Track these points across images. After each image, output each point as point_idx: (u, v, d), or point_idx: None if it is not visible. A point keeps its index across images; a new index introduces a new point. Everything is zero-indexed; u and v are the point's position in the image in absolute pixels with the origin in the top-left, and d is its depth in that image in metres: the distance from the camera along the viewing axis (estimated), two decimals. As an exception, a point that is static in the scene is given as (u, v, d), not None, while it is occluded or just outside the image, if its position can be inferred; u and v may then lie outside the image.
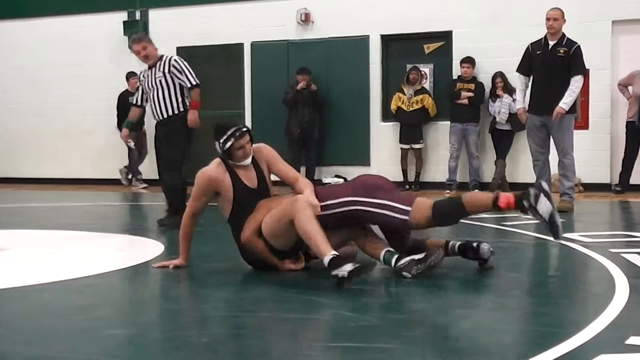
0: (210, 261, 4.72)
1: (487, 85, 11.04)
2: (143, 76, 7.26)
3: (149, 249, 5.66)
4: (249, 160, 4.72)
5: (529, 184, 9.17)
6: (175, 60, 7.11)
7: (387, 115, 11.83)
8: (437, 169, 11.49)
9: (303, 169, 11.89)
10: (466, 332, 3.40)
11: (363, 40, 11.88)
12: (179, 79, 7.04)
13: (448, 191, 10.86)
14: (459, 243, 4.79)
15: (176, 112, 7.06)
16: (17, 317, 3.89)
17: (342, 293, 4.03)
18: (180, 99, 7.07)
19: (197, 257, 4.89)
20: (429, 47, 11.78)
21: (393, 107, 11.49)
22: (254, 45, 12.45)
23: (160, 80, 7.03)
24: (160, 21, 13.04)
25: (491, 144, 11.15)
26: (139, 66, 13.01)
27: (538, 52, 8.08)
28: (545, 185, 4.32)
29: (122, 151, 12.97)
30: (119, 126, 12.19)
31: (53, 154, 13.68)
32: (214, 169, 4.70)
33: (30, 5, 13.89)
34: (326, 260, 4.07)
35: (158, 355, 3.11)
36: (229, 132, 4.63)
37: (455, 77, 11.25)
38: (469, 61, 11.05)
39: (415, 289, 4.33)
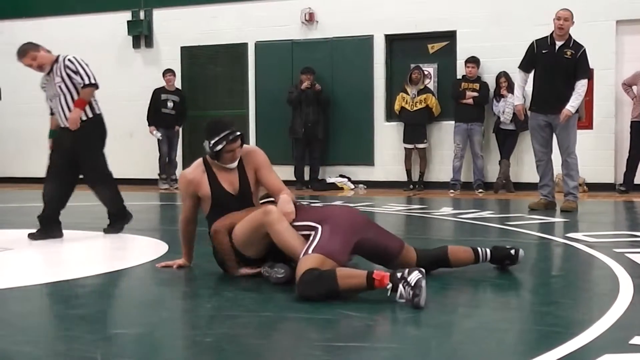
0: (213, 261, 4.71)
1: (492, 85, 11.04)
2: (43, 83, 6.75)
3: (153, 248, 5.67)
4: (234, 165, 4.62)
5: (533, 184, 9.24)
6: (69, 60, 6.61)
7: (391, 114, 11.83)
8: (441, 169, 11.49)
9: (307, 169, 11.90)
10: (470, 331, 3.40)
11: (367, 40, 11.88)
12: (74, 79, 6.56)
13: (452, 191, 10.85)
14: (489, 248, 4.66)
15: (84, 117, 6.56)
16: (21, 316, 3.90)
17: (348, 294, 4.02)
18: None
19: (201, 257, 4.89)
20: (433, 47, 11.78)
21: (397, 107, 11.48)
22: (258, 45, 12.46)
23: (60, 86, 6.54)
24: (164, 21, 13.06)
25: (495, 143, 11.15)
26: (143, 66, 13.09)
27: (544, 51, 8.06)
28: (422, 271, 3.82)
29: (128, 150, 13.00)
30: (150, 122, 12.34)
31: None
32: (192, 171, 4.60)
33: (37, 5, 13.92)
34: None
35: (163, 354, 3.11)
36: (222, 135, 4.46)
37: (459, 76, 11.24)
38: (474, 61, 11.04)
39: (419, 289, 4.33)
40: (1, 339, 3.39)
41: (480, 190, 10.85)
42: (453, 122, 11.15)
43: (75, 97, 6.52)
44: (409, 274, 3.71)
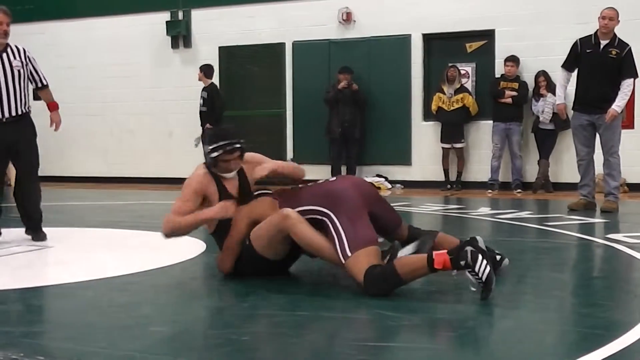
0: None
1: (530, 85, 10.92)
2: None
3: (190, 247, 5.70)
4: (230, 175, 4.56)
5: (572, 184, 9.12)
6: (29, 52, 6.37)
7: (428, 114, 11.77)
8: (479, 169, 11.40)
9: (344, 168, 11.89)
10: (507, 332, 3.37)
11: (405, 40, 11.83)
12: (33, 74, 6.36)
13: (490, 191, 10.77)
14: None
15: (28, 110, 6.35)
16: (61, 313, 3.96)
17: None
18: (28, 96, 6.33)
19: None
20: (471, 46, 11.69)
21: (434, 107, 11.42)
22: (296, 45, 12.48)
23: (19, 70, 6.16)
24: (202, 21, 13.15)
25: (534, 143, 11.03)
26: (182, 66, 13.19)
27: (588, 51, 7.95)
28: (481, 242, 3.92)
29: (167, 150, 13.12)
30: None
31: (101, 153, 13.87)
32: (201, 175, 4.55)
33: (78, 6, 14.11)
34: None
35: (200, 352, 3.13)
36: (220, 144, 4.44)
37: (498, 75, 11.14)
38: (513, 60, 10.94)
39: (456, 289, 4.29)
40: (42, 335, 3.45)
41: (518, 190, 10.74)
42: (491, 122, 11.06)
43: (26, 86, 6.28)
44: (474, 261, 3.69)
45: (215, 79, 12.89)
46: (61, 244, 6.15)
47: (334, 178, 4.48)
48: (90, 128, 13.92)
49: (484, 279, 3.73)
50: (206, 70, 11.82)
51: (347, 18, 12.09)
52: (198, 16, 13.19)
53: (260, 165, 4.59)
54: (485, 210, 8.46)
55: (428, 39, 11.85)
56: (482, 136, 11.40)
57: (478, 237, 3.94)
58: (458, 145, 11.38)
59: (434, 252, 3.83)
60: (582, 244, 6.03)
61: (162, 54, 13.39)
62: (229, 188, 4.54)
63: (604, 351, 2.94)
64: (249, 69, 12.99)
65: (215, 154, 4.44)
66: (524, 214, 7.96)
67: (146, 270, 4.83)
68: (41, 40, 14.31)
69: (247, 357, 3.05)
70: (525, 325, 3.48)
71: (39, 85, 6.45)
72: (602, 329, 3.35)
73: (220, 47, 12.99)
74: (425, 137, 11.80)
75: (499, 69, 11.13)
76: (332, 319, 3.67)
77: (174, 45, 13.33)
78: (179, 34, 13.21)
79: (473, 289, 3.81)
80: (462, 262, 3.71)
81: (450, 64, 11.38)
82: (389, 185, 11.75)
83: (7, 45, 6.23)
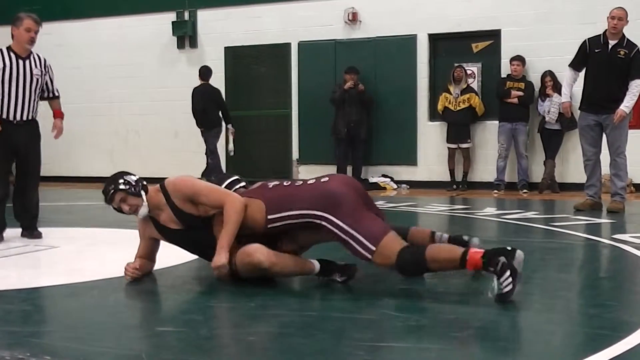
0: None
1: (537, 85, 10.91)
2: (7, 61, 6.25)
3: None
4: (140, 215, 4.39)
5: (579, 184, 9.11)
6: (49, 62, 6.61)
7: (434, 114, 11.76)
8: (485, 169, 11.39)
9: (350, 169, 11.90)
10: (514, 333, 3.36)
11: (411, 40, 11.83)
12: (47, 83, 6.57)
13: (496, 191, 10.76)
14: (447, 235, 4.66)
15: (36, 116, 6.54)
16: (68, 313, 3.97)
17: (390, 293, 4.02)
18: (38, 103, 6.57)
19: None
20: (477, 46, 11.68)
21: (440, 107, 11.42)
22: (302, 45, 12.48)
23: (37, 79, 6.40)
24: (208, 21, 13.16)
25: (540, 143, 11.02)
26: (188, 67, 13.20)
27: (597, 51, 7.94)
28: (520, 259, 3.83)
29: (172, 150, 13.14)
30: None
31: (107, 153, 13.90)
32: (139, 220, 4.50)
33: (84, 6, 14.13)
34: None
35: (207, 352, 3.13)
36: (105, 200, 4.41)
37: (504, 75, 11.13)
38: (519, 59, 10.93)
39: (463, 290, 4.30)
40: (49, 335, 3.45)
41: (524, 190, 10.73)
42: (497, 122, 11.05)
43: (38, 97, 6.55)
44: (500, 274, 3.68)
45: (221, 79, 12.93)
46: (68, 244, 6.16)
47: (327, 178, 4.30)
48: (96, 128, 13.95)
49: (502, 292, 3.71)
50: (201, 71, 12.01)
51: (353, 18, 12.09)
52: (204, 16, 13.20)
53: (195, 196, 4.34)
54: (491, 210, 8.46)
55: (434, 39, 11.84)
56: (488, 136, 11.38)
57: (518, 253, 3.83)
58: (464, 146, 11.37)
59: (470, 251, 3.81)
60: (589, 245, 6.02)
61: (168, 54, 13.40)
62: (166, 223, 4.41)
63: (610, 351, 2.94)
64: (254, 69, 13.00)
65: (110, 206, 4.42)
66: (530, 214, 7.95)
67: (153, 270, 4.83)
68: (48, 41, 14.27)
69: (254, 357, 3.06)
70: (531, 326, 3.48)
71: (51, 95, 6.66)
72: (609, 330, 3.34)
73: (226, 48, 13.00)
74: (431, 137, 11.79)
75: (505, 69, 11.12)
76: (340, 319, 3.67)
77: (180, 45, 13.35)
78: (185, 34, 13.23)
79: (490, 294, 3.81)
80: (492, 269, 3.71)
81: (456, 64, 11.37)
82: (395, 186, 11.74)
83: (31, 52, 6.42)
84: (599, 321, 3.52)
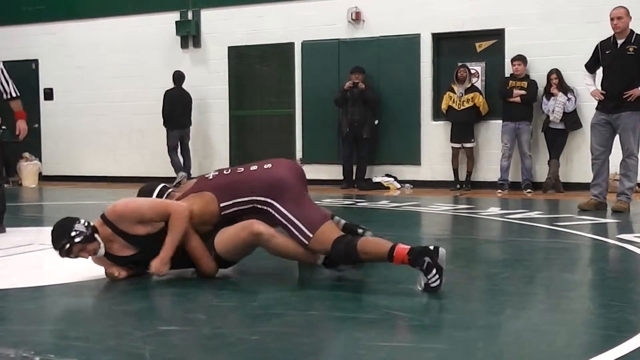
0: (259, 259, 4.73)
1: (541, 84, 10.88)
2: None
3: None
4: (100, 254, 4.31)
5: (583, 184, 9.09)
6: (3, 64, 6.58)
7: (438, 114, 11.74)
8: (489, 168, 11.37)
9: (355, 168, 11.89)
10: (518, 333, 3.35)
11: (414, 39, 11.81)
12: (2, 84, 6.53)
13: (500, 191, 10.74)
14: (344, 222, 4.75)
15: None
16: (71, 312, 3.97)
17: (393, 293, 4.01)
18: None
19: (254, 256, 4.88)
20: (480, 46, 11.66)
21: (444, 106, 11.40)
22: (305, 45, 12.47)
23: None
24: (212, 21, 13.16)
25: (544, 143, 10.99)
26: (191, 66, 13.21)
27: (607, 52, 7.97)
28: (442, 257, 3.99)
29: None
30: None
31: (111, 153, 13.91)
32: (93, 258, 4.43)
33: (88, 6, 14.13)
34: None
35: (210, 351, 3.13)
36: (59, 254, 4.27)
37: (507, 75, 11.11)
38: (520, 59, 10.90)
39: (467, 290, 4.29)
40: (53, 333, 3.45)
41: (528, 190, 10.71)
42: (500, 121, 11.03)
43: None
44: (427, 273, 3.92)
45: (225, 79, 12.95)
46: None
47: (270, 164, 4.39)
48: (100, 128, 13.96)
49: (430, 286, 3.93)
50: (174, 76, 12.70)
51: (357, 17, 12.08)
52: (207, 16, 13.20)
53: (134, 218, 4.31)
54: (495, 210, 8.44)
55: (438, 38, 11.82)
56: (492, 136, 11.37)
57: (441, 251, 3.98)
58: (468, 145, 11.36)
59: (397, 247, 3.98)
60: (593, 245, 6.00)
61: (172, 54, 13.40)
62: (115, 252, 4.38)
63: (615, 352, 2.93)
64: (258, 69, 13.00)
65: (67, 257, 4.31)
66: (534, 214, 7.93)
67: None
68: (51, 41, 14.38)
69: (257, 356, 3.05)
70: (536, 326, 3.46)
71: (8, 96, 6.56)
72: (614, 330, 3.33)
73: (229, 47, 12.99)
74: (434, 137, 11.78)
75: (509, 68, 11.10)
76: (343, 319, 3.66)
77: (184, 45, 13.35)
78: (189, 34, 13.22)
79: (419, 287, 3.98)
80: (418, 267, 3.94)
81: (460, 64, 11.35)
82: (398, 185, 11.73)
83: None
84: (603, 321, 3.51)
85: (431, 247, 3.98)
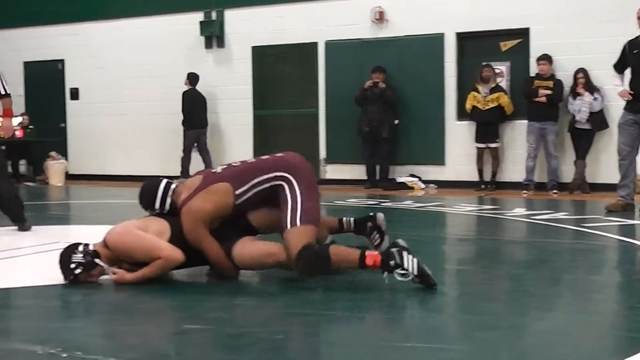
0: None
1: (567, 83, 10.79)
2: None
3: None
4: (108, 271, 4.30)
5: (610, 185, 9.00)
6: None
7: (462, 113, 11.68)
8: (514, 169, 11.29)
9: (377, 168, 11.87)
10: (543, 335, 3.32)
11: (438, 38, 11.76)
12: None
13: (525, 191, 10.67)
14: (354, 218, 4.80)
15: None
16: (97, 309, 3.99)
17: (416, 293, 3.99)
18: None
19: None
20: (505, 45, 11.59)
21: (468, 106, 11.33)
22: (328, 44, 12.47)
23: None
24: (235, 21, 13.19)
25: (570, 143, 10.89)
26: (215, 66, 13.26)
27: (635, 51, 7.90)
28: (402, 242, 4.07)
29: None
30: None
31: (135, 152, 13.99)
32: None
33: (112, 7, 14.23)
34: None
35: (233, 350, 3.13)
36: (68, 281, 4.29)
37: (533, 74, 11.03)
38: (545, 58, 10.82)
39: (491, 290, 4.26)
40: (80, 330, 3.48)
41: (554, 191, 10.62)
42: (526, 121, 10.95)
43: None
44: (401, 258, 3.91)
45: (248, 79, 12.98)
46: (96, 241, 6.18)
47: (282, 154, 4.46)
48: (124, 127, 14.05)
49: (415, 271, 3.92)
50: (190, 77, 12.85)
51: (380, 17, 12.05)
52: (231, 16, 13.24)
53: (124, 254, 4.29)
54: (520, 211, 8.38)
55: (461, 37, 11.76)
56: (518, 136, 11.29)
57: (400, 240, 4.07)
58: (493, 145, 11.29)
59: (367, 252, 4.01)
60: (620, 246, 5.94)
61: (196, 54, 13.45)
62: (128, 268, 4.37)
63: (642, 355, 2.89)
64: (281, 69, 13.01)
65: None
66: (560, 215, 7.87)
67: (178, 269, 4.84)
68: (75, 41, 14.50)
69: (279, 355, 3.05)
70: (561, 328, 3.43)
71: (1, 93, 6.63)
72: (641, 332, 3.29)
73: (253, 47, 13.02)
74: (459, 137, 11.72)
75: (535, 67, 11.01)
76: (365, 319, 3.66)
77: (208, 45, 13.39)
78: (213, 34, 13.26)
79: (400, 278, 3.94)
80: (392, 262, 3.91)
81: (484, 63, 11.29)
82: (423, 185, 11.69)
83: None
84: (630, 324, 3.47)
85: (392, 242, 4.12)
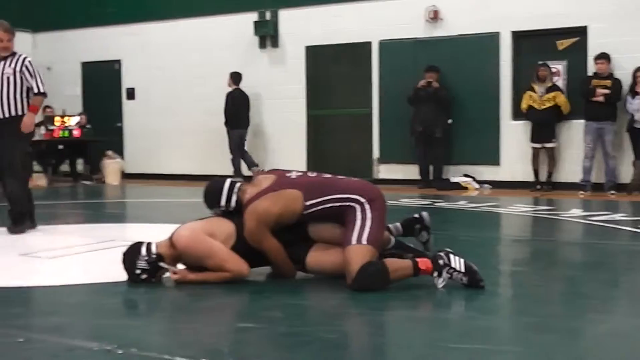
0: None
1: (625, 82, 10.58)
2: None
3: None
4: (168, 273, 4.36)
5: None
6: (29, 61, 6.77)
7: (517, 113, 11.54)
8: (570, 169, 11.11)
9: (431, 168, 11.80)
10: (600, 338, 3.27)
11: (493, 37, 11.64)
12: (27, 81, 6.70)
13: (582, 192, 10.49)
14: (399, 222, 4.85)
15: (20, 113, 6.69)
16: (152, 307, 4.05)
17: (468, 295, 3.96)
18: (25, 102, 6.73)
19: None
20: (562, 44, 11.41)
21: (524, 106, 11.19)
22: (383, 44, 12.44)
23: (8, 77, 6.66)
24: (289, 21, 13.24)
25: (629, 143, 10.68)
26: (269, 66, 13.33)
27: None
28: (447, 248, 4.17)
29: (252, 148, 13.27)
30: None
31: (190, 151, 14.14)
32: None
33: (169, 7, 14.42)
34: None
35: (287, 348, 3.15)
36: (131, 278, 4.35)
37: (590, 73, 10.84)
38: (603, 57, 10.62)
39: (547, 292, 4.21)
40: (135, 328, 3.53)
41: (612, 191, 10.43)
42: (583, 121, 10.77)
43: (17, 92, 6.68)
44: (448, 259, 4.03)
45: (302, 79, 13.02)
46: (153, 240, 6.27)
47: (356, 179, 4.55)
48: (179, 126, 14.22)
49: (463, 269, 4.01)
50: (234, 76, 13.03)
51: (435, 16, 11.97)
52: (285, 16, 13.30)
53: (195, 258, 4.31)
54: (576, 212, 8.25)
55: (517, 36, 11.62)
56: (574, 136, 11.11)
57: (449, 250, 4.17)
58: (549, 145, 11.13)
59: (417, 259, 4.12)
60: (680, 248, 5.81)
61: (250, 53, 13.54)
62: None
63: None
64: (335, 69, 13.02)
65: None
66: (617, 217, 7.72)
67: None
68: (135, 41, 14.74)
69: (334, 355, 3.05)
70: (619, 331, 3.37)
71: (34, 92, 6.75)
72: (702, 337, 3.21)
73: (307, 47, 13.05)
74: (514, 137, 11.58)
75: (592, 66, 10.82)
76: (419, 319, 3.64)
77: (262, 45, 13.47)
78: (267, 34, 13.34)
79: (440, 285, 4.02)
80: (441, 262, 4.03)
81: (540, 62, 11.13)
82: (477, 186, 11.59)
83: (11, 55, 6.74)
84: (690, 328, 3.39)
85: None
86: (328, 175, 4.50)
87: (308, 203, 4.26)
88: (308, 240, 4.38)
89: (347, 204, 4.23)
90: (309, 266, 4.35)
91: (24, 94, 6.71)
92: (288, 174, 4.46)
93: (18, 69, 6.68)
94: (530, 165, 11.29)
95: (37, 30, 15.66)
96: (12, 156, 6.70)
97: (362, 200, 4.22)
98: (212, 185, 4.60)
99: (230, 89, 13.03)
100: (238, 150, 12.99)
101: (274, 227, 4.29)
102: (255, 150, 13.37)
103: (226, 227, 4.35)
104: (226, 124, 13.03)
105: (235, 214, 4.41)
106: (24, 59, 6.76)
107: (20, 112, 6.69)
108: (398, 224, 4.86)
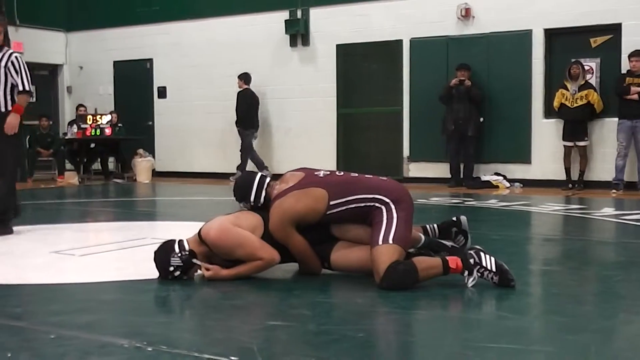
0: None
1: (660, 80, 10.43)
2: None
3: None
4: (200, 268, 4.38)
5: None
6: (16, 57, 6.53)
7: (549, 111, 11.44)
8: (603, 168, 10.99)
9: (462, 167, 11.74)
10: (633, 338, 3.23)
11: (525, 35, 11.55)
12: (12, 77, 6.49)
13: (614, 191, 10.38)
14: (437, 224, 4.83)
15: (3, 109, 6.49)
16: (182, 305, 4.08)
17: (499, 294, 3.94)
18: (9, 98, 6.53)
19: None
20: (595, 41, 11.28)
21: (556, 104, 11.10)
22: (413, 42, 12.39)
23: None
24: (320, 19, 13.25)
25: (663, 141, 10.54)
26: (300, 65, 13.35)
27: None
28: (477, 246, 4.23)
29: (284, 146, 13.30)
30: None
31: (221, 150, 14.20)
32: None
33: (201, 6, 14.51)
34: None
35: (316, 347, 3.15)
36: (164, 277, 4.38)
37: (624, 71, 10.71)
38: (637, 54, 10.50)
39: (579, 292, 4.16)
40: (164, 325, 3.56)
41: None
42: (616, 119, 10.65)
43: (1, 91, 6.49)
44: (479, 257, 4.03)
45: (333, 77, 13.02)
46: (183, 237, 6.31)
47: (386, 178, 4.53)
48: (210, 125, 14.29)
49: (493, 268, 3.99)
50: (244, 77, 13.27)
51: (466, 14, 11.91)
52: (316, 15, 13.30)
53: (226, 250, 4.33)
54: (609, 210, 8.15)
55: (550, 34, 11.52)
56: (607, 134, 10.99)
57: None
58: (581, 144, 11.02)
59: (447, 257, 4.10)
60: None
61: (281, 52, 13.58)
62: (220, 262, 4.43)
63: None
64: (366, 67, 13.00)
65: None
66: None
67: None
68: (166, 40, 14.84)
69: (362, 354, 3.05)
70: (652, 332, 3.33)
71: (18, 89, 6.56)
72: None
73: (337, 45, 13.05)
74: (545, 135, 11.48)
75: (626, 64, 10.70)
76: (449, 318, 3.62)
77: (293, 43, 13.49)
78: (298, 33, 13.36)
79: (470, 284, 4.02)
80: (472, 260, 4.02)
81: (573, 60, 11.02)
82: (508, 184, 11.50)
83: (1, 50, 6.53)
84: None
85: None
86: (355, 174, 4.49)
87: (332, 202, 4.26)
88: (332, 239, 4.39)
89: (372, 204, 4.22)
90: (334, 263, 4.36)
91: (8, 90, 6.52)
92: (316, 173, 4.47)
93: (3, 64, 6.48)
94: (562, 164, 11.19)
95: (70, 30, 15.84)
96: (2, 154, 6.48)
97: (388, 200, 4.21)
98: (242, 180, 4.68)
99: (240, 89, 13.25)
100: (249, 150, 13.17)
101: (299, 224, 4.31)
102: (285, 149, 13.42)
103: (254, 220, 4.40)
104: (237, 123, 13.23)
105: (262, 209, 4.45)
106: (11, 53, 6.57)
107: (3, 109, 6.50)
108: (435, 225, 4.83)
